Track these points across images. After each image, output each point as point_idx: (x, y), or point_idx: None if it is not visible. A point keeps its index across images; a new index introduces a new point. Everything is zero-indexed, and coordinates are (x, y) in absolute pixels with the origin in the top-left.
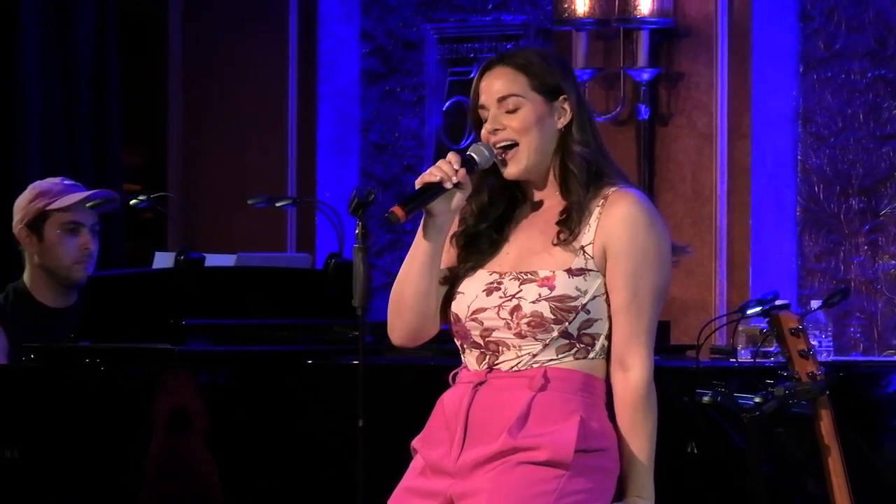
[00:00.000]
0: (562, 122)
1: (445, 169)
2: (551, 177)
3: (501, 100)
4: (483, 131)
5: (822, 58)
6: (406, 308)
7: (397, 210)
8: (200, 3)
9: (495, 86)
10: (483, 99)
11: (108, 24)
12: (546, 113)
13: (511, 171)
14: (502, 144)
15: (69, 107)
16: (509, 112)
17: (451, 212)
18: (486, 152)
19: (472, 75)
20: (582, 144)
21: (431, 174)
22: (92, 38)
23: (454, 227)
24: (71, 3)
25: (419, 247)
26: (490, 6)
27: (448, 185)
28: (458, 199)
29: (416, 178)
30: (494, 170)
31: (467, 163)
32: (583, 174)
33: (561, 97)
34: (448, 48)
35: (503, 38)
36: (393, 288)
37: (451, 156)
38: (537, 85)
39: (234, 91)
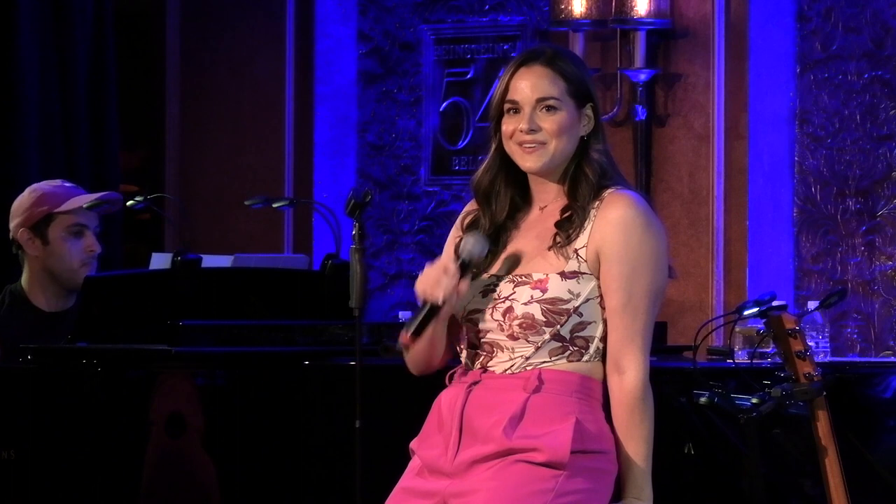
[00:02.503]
0: (585, 130)
1: (446, 287)
2: (560, 181)
3: (541, 100)
4: (511, 127)
5: (818, 59)
6: (422, 365)
7: (405, 340)
8: (198, 4)
9: (536, 85)
10: (516, 95)
11: (106, 25)
12: (576, 119)
13: (530, 164)
14: (531, 146)
15: (67, 108)
16: (546, 114)
17: (452, 309)
18: (478, 246)
19: (469, 76)
20: (601, 152)
21: (434, 293)
22: (90, 39)
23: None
24: (68, 4)
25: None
26: (487, 7)
27: (452, 301)
28: (458, 301)
29: (416, 286)
30: (498, 176)
31: (463, 268)
32: (595, 180)
33: (588, 105)
34: (445, 49)
35: (500, 38)
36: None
37: (449, 266)
38: (573, 90)
39: (231, 92)
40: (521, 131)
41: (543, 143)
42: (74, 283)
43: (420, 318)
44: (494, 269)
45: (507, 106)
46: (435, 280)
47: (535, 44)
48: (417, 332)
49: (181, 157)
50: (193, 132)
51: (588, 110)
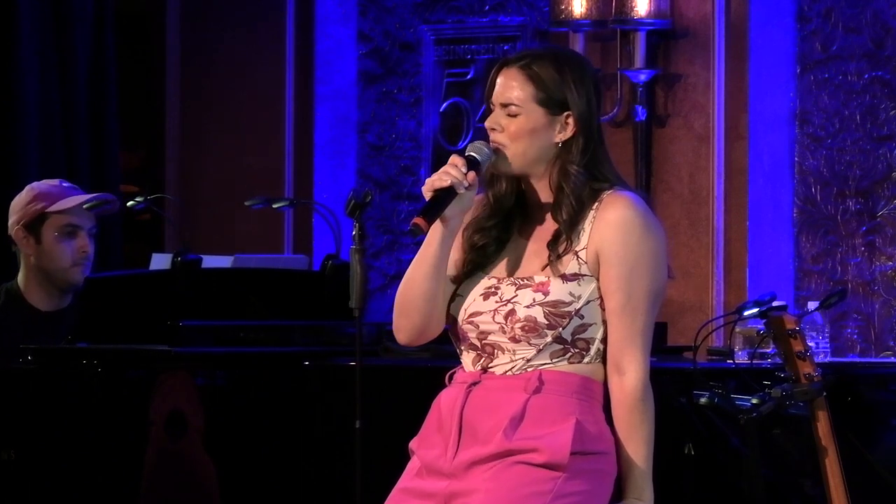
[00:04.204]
0: (560, 137)
1: (454, 174)
2: (549, 185)
3: (504, 105)
4: (486, 122)
5: (819, 59)
6: (414, 310)
7: (420, 222)
8: (198, 4)
9: (503, 88)
10: (492, 96)
11: (106, 25)
12: (544, 125)
13: (496, 166)
14: (494, 145)
15: (67, 108)
16: (507, 118)
17: (462, 214)
18: (486, 150)
19: (469, 76)
20: (578, 164)
21: (441, 179)
22: (90, 39)
23: (462, 234)
24: (68, 4)
25: (429, 250)
26: (487, 7)
27: (461, 190)
28: (468, 199)
29: (423, 185)
30: (500, 176)
31: (470, 164)
32: (575, 193)
33: (565, 113)
34: (445, 49)
35: (500, 39)
36: (400, 289)
37: (456, 159)
38: (543, 98)
39: (231, 92)
40: (488, 128)
41: (504, 145)
42: (66, 283)
43: (429, 202)
44: (496, 272)
45: (490, 104)
46: (442, 171)
47: (535, 44)
48: (428, 215)
49: (181, 157)
50: (193, 132)
51: (566, 119)
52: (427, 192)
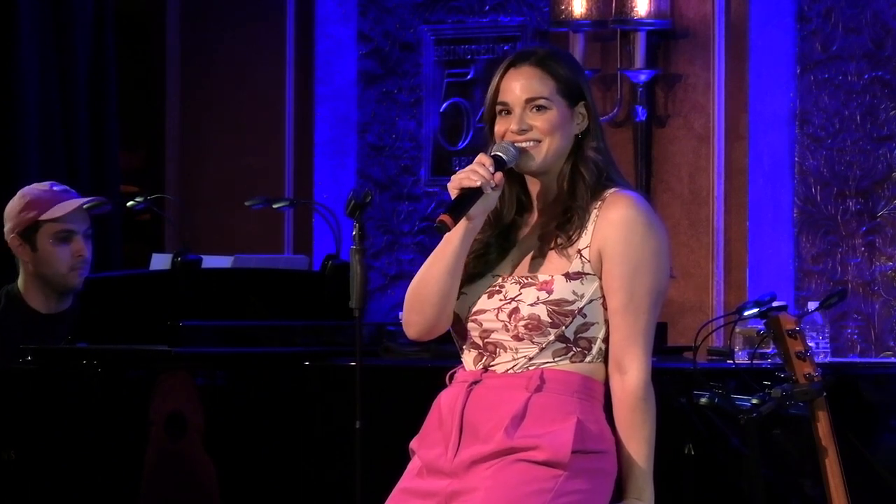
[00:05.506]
0: (578, 128)
1: (483, 173)
2: (558, 181)
3: (530, 101)
4: (503, 128)
5: (819, 59)
6: (429, 305)
7: (447, 219)
8: (198, 4)
9: (525, 86)
10: (507, 97)
11: (106, 26)
12: (568, 118)
13: (522, 164)
14: (526, 144)
15: (67, 108)
16: (536, 113)
17: (485, 213)
18: (512, 150)
19: (469, 76)
20: (596, 151)
21: (469, 179)
22: (90, 39)
23: None
24: (68, 4)
25: (449, 247)
26: (487, 7)
27: (488, 190)
28: (493, 199)
29: (449, 182)
30: (505, 175)
31: (498, 164)
32: (592, 179)
33: (581, 103)
34: (445, 49)
35: (500, 39)
36: (413, 286)
37: (483, 158)
38: (563, 89)
39: (231, 93)
40: (512, 132)
41: (539, 142)
42: (65, 288)
43: (456, 200)
44: (501, 270)
45: (498, 108)
46: (470, 170)
47: (534, 44)
48: (454, 213)
49: (181, 157)
50: (193, 132)
51: (581, 108)
52: (453, 189)
